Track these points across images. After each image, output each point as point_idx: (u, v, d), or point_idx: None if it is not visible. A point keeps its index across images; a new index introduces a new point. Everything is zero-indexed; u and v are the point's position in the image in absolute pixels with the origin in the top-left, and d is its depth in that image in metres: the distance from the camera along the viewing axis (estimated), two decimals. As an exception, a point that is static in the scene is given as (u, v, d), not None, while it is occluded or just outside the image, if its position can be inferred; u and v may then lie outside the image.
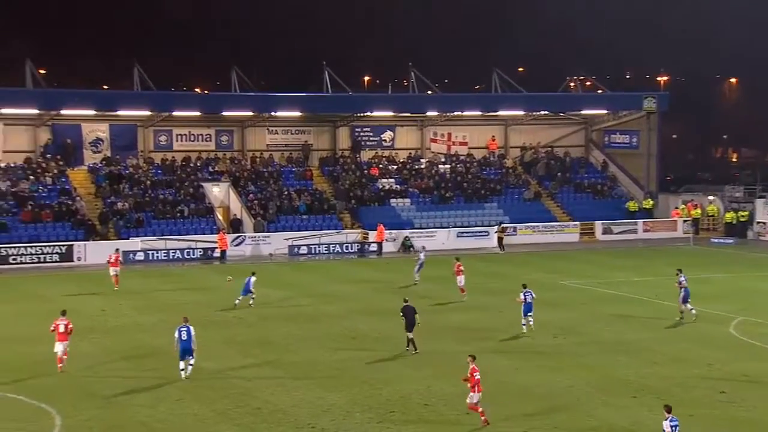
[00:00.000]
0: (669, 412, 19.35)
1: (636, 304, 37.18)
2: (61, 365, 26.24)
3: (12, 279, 44.14)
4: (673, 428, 19.26)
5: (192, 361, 25.68)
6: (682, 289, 33.24)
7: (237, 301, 35.96)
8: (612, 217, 60.79)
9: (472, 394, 22.14)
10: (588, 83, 73.77)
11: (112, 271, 40.59)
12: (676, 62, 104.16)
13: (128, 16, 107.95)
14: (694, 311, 33.15)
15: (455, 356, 28.10)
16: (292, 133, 62.23)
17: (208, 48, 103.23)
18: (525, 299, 31.18)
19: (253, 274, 36.51)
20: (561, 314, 34.75)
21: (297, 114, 59.89)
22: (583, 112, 65.85)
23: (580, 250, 55.24)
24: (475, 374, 22.21)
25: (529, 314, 31.30)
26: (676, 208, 62.49)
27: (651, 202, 62.55)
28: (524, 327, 31.30)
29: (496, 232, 54.64)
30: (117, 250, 42.39)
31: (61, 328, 26.35)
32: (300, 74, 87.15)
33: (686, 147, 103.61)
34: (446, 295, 38.81)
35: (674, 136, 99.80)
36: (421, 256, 42.13)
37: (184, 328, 25.76)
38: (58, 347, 26.29)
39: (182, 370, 25.55)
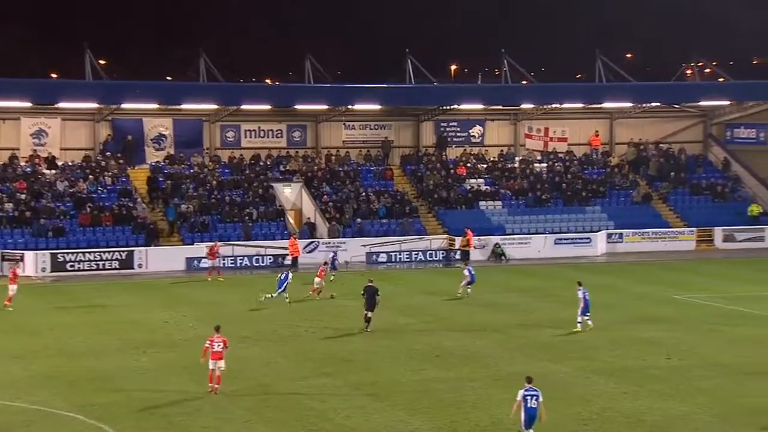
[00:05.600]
0: (529, 382, 21.36)
1: (764, 322, 36.12)
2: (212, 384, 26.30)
3: (69, 287, 45.49)
4: (528, 398, 20.96)
5: (287, 295, 38.37)
6: None
7: (267, 297, 38.59)
8: (734, 223, 59.32)
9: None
10: (708, 70, 72.20)
11: (209, 263, 46.94)
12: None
13: (192, 2, 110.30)
14: None
15: (551, 377, 27.79)
16: (370, 129, 62.56)
17: (279, 36, 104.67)
18: (584, 297, 34.06)
19: (290, 270, 40.36)
20: (675, 333, 34.09)
21: (376, 107, 60.15)
22: (702, 103, 64.42)
23: (696, 260, 54.10)
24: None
25: (587, 314, 34.01)
26: (811, 212, 60.59)
27: (782, 206, 60.77)
28: (579, 326, 33.95)
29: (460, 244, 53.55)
30: (215, 241, 48.49)
31: (217, 347, 26.21)
32: (380, 63, 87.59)
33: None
34: (541, 310, 38.47)
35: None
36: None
37: (283, 275, 38.96)
38: (212, 364, 26.20)
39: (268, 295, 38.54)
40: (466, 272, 41.79)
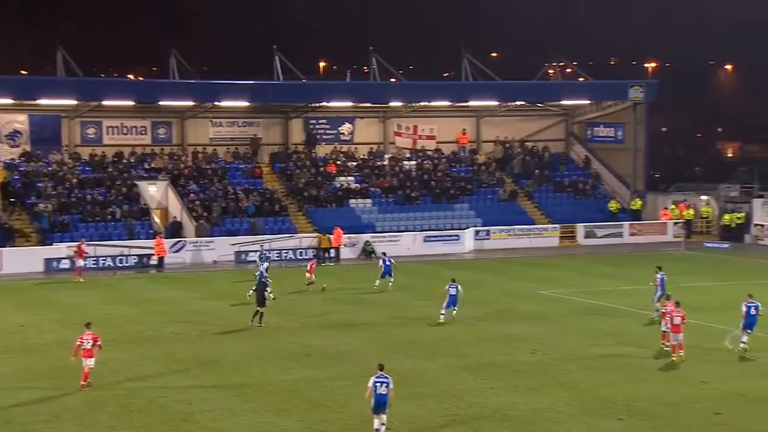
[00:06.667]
0: (381, 369, 22.34)
1: (622, 315, 37.56)
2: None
3: None
4: (378, 385, 21.88)
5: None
6: (658, 288, 35.99)
7: (249, 293, 38.51)
8: (595, 219, 61.42)
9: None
10: (569, 70, 74.39)
11: (82, 262, 45.95)
12: (665, 47, 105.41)
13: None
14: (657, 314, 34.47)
15: (422, 374, 28.19)
16: (238, 126, 61.98)
17: (143, 29, 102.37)
18: (449, 291, 35.40)
19: (267, 259, 41.59)
20: (539, 328, 35.03)
21: (244, 104, 59.65)
22: (563, 102, 66.43)
23: (560, 255, 55.69)
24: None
25: (453, 307, 35.41)
26: (666, 208, 63.30)
27: (639, 203, 63.24)
28: (442, 317, 35.31)
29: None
30: (82, 240, 47.26)
31: (87, 344, 26.65)
32: (248, 59, 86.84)
33: (677, 141, 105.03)
34: (413, 307, 38.94)
35: (663, 129, 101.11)
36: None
37: (263, 266, 39.63)
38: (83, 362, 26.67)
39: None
40: (380, 263, 42.63)
